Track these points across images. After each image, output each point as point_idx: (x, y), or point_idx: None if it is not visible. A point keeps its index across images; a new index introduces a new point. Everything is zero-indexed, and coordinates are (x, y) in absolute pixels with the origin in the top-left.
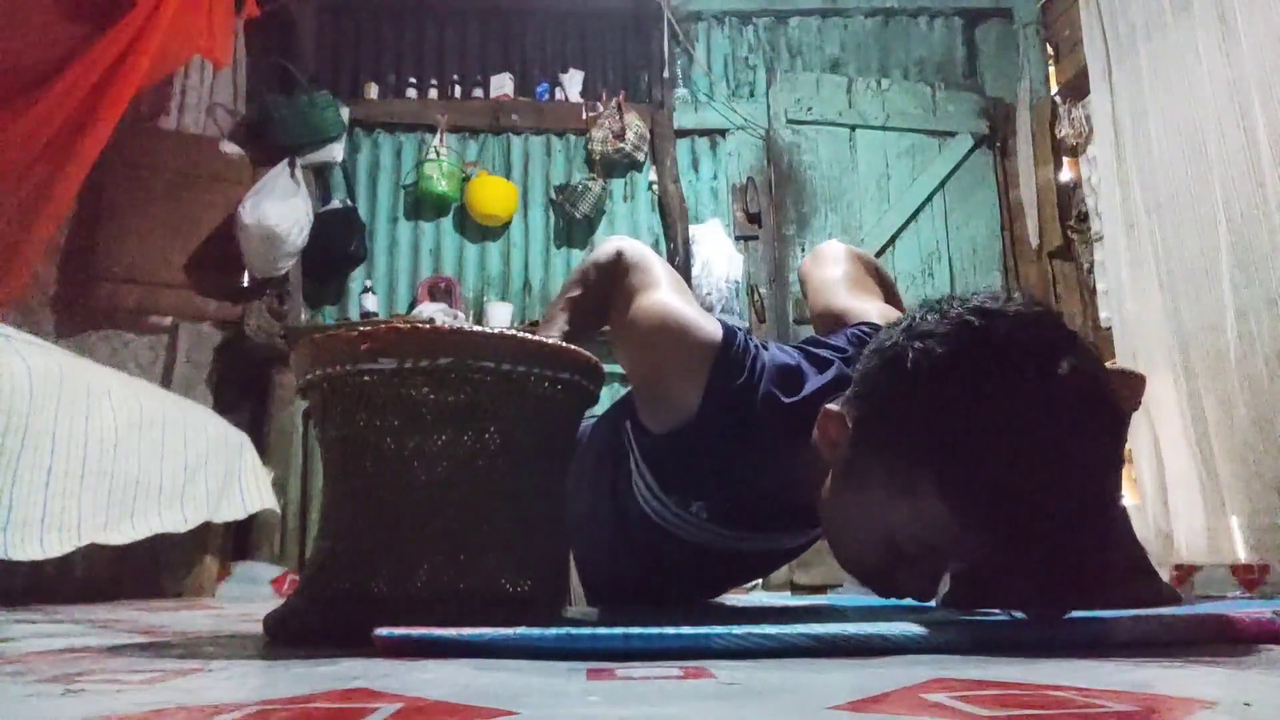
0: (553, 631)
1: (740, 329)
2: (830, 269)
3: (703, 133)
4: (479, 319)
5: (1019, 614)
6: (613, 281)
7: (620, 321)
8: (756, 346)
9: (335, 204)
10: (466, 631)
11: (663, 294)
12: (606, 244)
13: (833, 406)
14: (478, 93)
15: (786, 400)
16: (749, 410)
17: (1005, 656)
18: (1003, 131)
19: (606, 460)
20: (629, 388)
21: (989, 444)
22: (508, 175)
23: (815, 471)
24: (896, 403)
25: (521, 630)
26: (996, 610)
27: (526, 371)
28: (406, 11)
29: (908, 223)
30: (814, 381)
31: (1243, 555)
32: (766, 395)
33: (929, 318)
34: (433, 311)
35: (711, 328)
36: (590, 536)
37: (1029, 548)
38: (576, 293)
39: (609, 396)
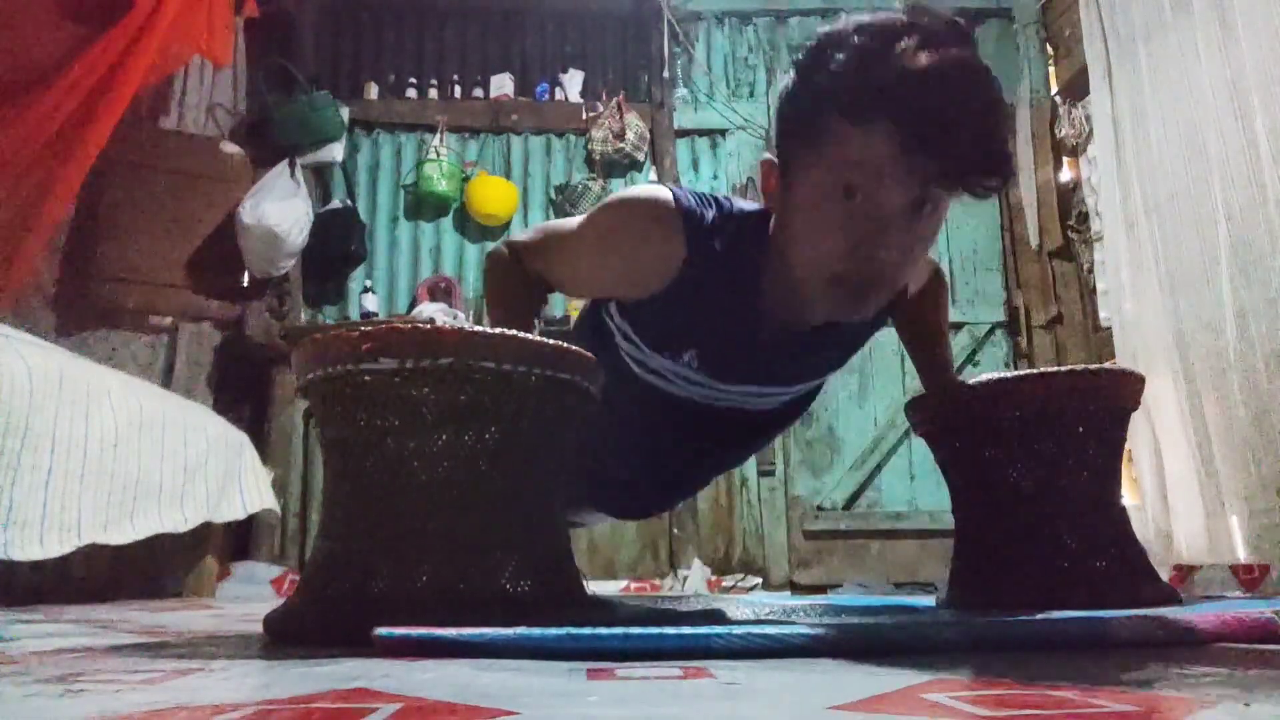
0: (553, 631)
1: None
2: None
3: (703, 133)
4: (479, 319)
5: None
6: (521, 261)
7: (567, 252)
8: (700, 194)
9: (335, 204)
10: (466, 631)
11: (576, 218)
12: (490, 260)
13: (765, 156)
14: (478, 93)
15: (745, 222)
16: (732, 236)
17: (1005, 656)
18: None
19: (594, 348)
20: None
21: (850, 48)
22: (508, 175)
23: (782, 274)
24: (782, 98)
25: (521, 630)
26: (996, 610)
27: (526, 371)
28: (406, 11)
29: None
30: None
31: (1243, 555)
32: (738, 218)
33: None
34: (433, 311)
35: (654, 189)
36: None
37: (904, 101)
38: (499, 307)
39: None
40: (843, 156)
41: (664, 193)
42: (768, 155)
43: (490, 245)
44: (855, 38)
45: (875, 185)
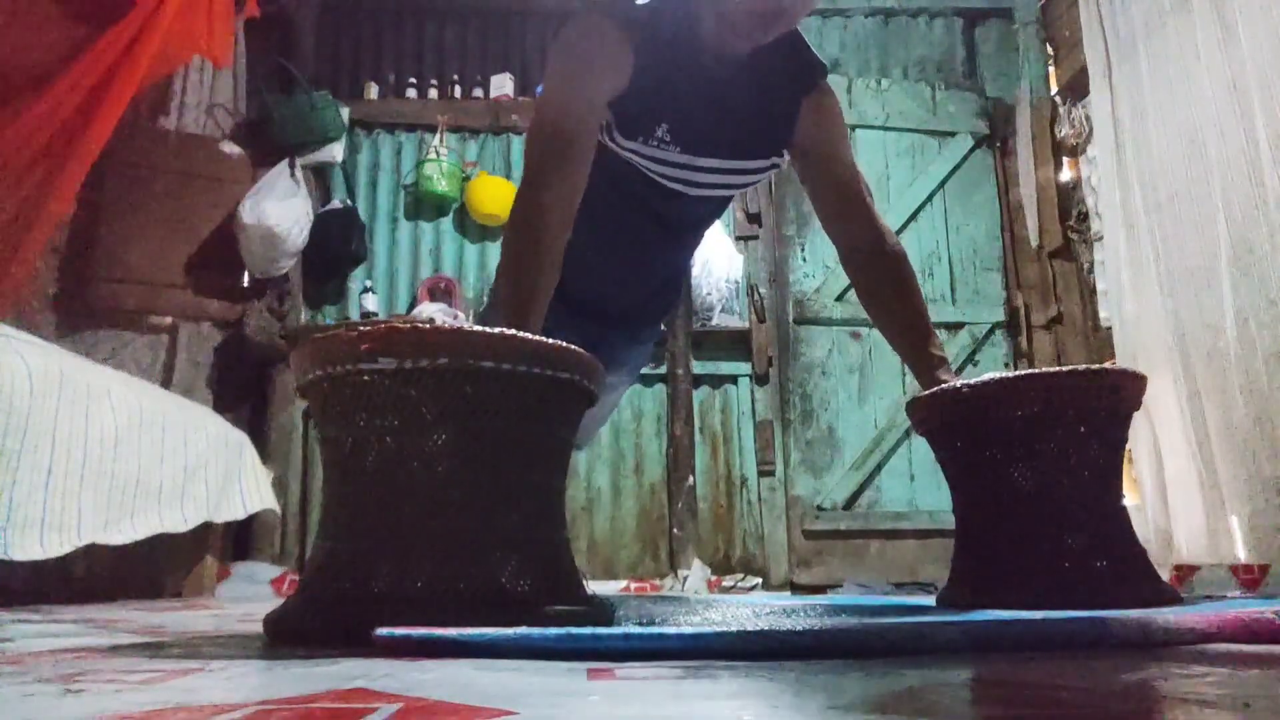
0: (553, 631)
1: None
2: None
3: None
4: (479, 319)
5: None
6: (530, 184)
7: (551, 104)
8: None
9: (335, 204)
10: (466, 631)
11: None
12: (513, 209)
13: None
14: (478, 93)
15: None
16: (670, 11)
17: (1005, 656)
18: (1002, 131)
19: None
20: None
21: None
22: (508, 175)
23: (718, 26)
24: None
25: (521, 630)
26: (996, 610)
27: (526, 371)
28: (406, 11)
29: (908, 222)
30: None
31: (1243, 555)
32: None
33: None
34: (433, 311)
35: (581, 16)
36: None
37: None
38: (513, 271)
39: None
40: None
41: (590, 7)
42: None
43: (490, 245)
44: None
45: None
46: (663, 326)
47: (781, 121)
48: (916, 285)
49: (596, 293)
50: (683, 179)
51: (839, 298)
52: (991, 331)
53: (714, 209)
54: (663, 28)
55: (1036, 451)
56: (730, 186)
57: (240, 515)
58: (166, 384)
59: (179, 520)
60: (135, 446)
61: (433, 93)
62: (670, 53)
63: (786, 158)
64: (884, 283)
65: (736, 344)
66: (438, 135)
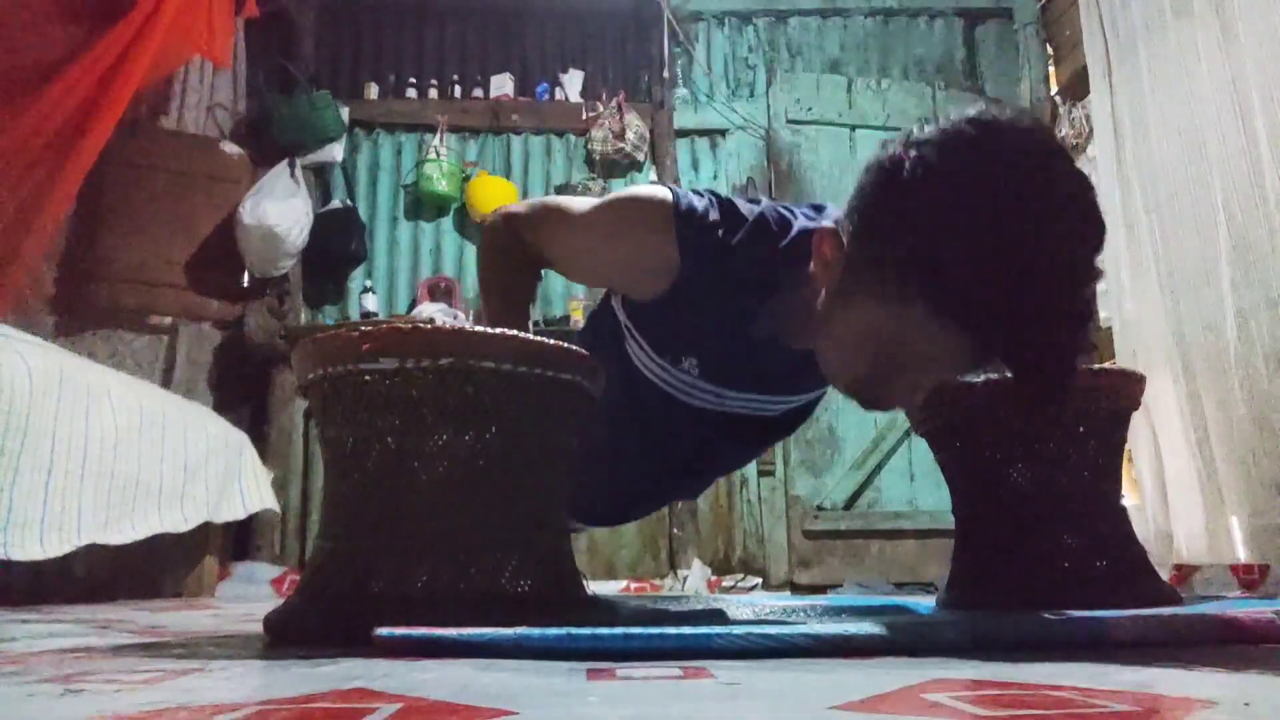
0: (553, 631)
1: (689, 193)
2: None
3: (703, 133)
4: (479, 319)
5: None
6: (519, 238)
7: (564, 240)
8: (719, 198)
9: (335, 204)
10: (466, 631)
11: (582, 200)
12: (487, 234)
13: (827, 224)
14: (478, 93)
15: (768, 242)
16: (729, 255)
17: (1005, 656)
18: None
19: (606, 338)
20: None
21: (976, 243)
22: (508, 175)
23: (799, 316)
24: (891, 208)
25: (521, 630)
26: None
27: (526, 371)
28: (406, 11)
29: None
30: (802, 223)
31: (1243, 555)
32: (746, 237)
33: (926, 129)
34: (433, 311)
35: (656, 190)
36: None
37: (1007, 341)
38: (496, 292)
39: None
40: (911, 336)
41: (665, 195)
42: (834, 225)
43: None
44: (989, 217)
45: (929, 367)
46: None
47: None
48: None
49: (644, 475)
50: (709, 402)
51: None
52: None
53: (768, 432)
54: (726, 273)
55: (1036, 451)
56: (769, 410)
57: (240, 515)
58: (166, 384)
59: (179, 520)
60: (135, 446)
61: (433, 93)
62: (721, 302)
63: None
64: None
65: None
66: (438, 135)
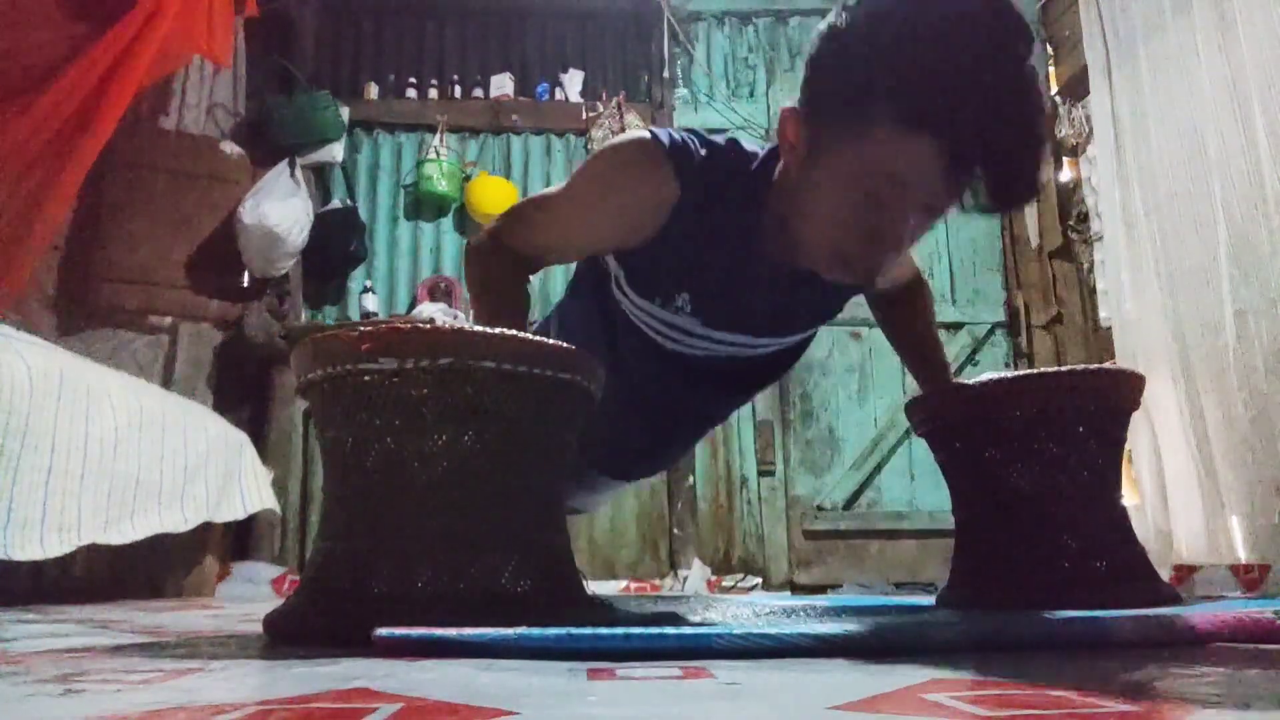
0: (553, 631)
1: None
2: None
3: None
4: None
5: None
6: (501, 246)
7: (552, 223)
8: (688, 130)
9: (335, 204)
10: (466, 631)
11: (549, 188)
12: (470, 258)
13: (787, 105)
14: (478, 93)
15: (746, 161)
16: (729, 174)
17: (1005, 656)
18: None
19: (591, 295)
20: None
21: (920, 44)
22: (508, 175)
23: (782, 222)
24: (836, 55)
25: (521, 630)
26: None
27: (526, 371)
28: (406, 11)
29: None
30: (763, 147)
31: (1243, 555)
32: (728, 159)
33: None
34: (433, 311)
35: (638, 133)
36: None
37: (968, 130)
38: (488, 303)
39: None
40: (881, 159)
41: (646, 135)
42: (792, 104)
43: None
44: (922, 27)
45: (907, 194)
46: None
47: (827, 306)
48: (933, 312)
49: (632, 427)
50: (698, 347)
51: None
52: (991, 331)
53: (757, 370)
54: (718, 195)
55: (1036, 452)
56: (757, 355)
57: (240, 515)
58: (166, 384)
59: (179, 520)
60: (135, 446)
61: (433, 93)
62: (714, 225)
63: None
64: (909, 313)
65: None
66: (438, 135)
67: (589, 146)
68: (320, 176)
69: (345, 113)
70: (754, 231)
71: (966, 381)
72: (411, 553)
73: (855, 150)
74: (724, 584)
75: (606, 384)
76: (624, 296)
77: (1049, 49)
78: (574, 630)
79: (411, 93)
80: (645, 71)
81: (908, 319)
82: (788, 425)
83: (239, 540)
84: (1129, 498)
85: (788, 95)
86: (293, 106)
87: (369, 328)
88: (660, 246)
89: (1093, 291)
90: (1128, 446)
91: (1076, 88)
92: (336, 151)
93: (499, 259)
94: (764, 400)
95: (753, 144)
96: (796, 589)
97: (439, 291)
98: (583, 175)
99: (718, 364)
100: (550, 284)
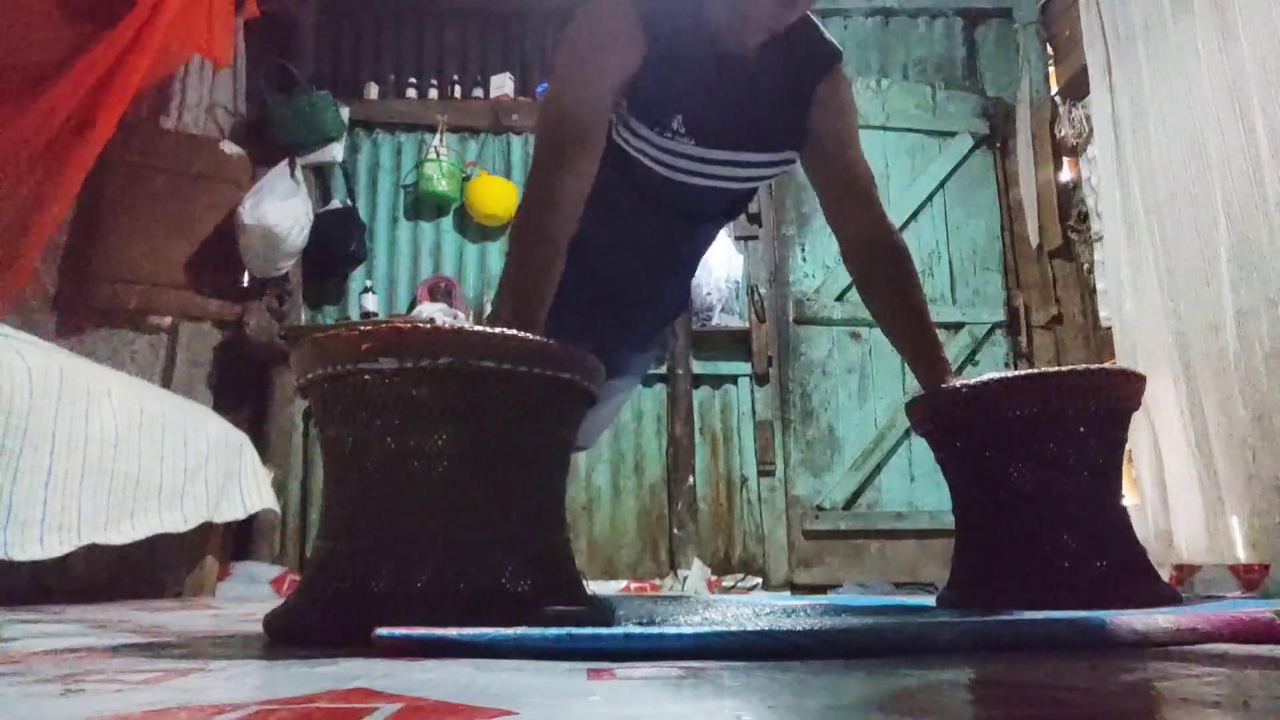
0: (553, 631)
1: None
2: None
3: None
4: (479, 319)
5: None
6: (556, 122)
7: (574, 86)
8: None
9: (335, 204)
10: (466, 631)
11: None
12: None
13: None
14: (478, 93)
15: None
16: None
17: (1005, 656)
18: (1003, 131)
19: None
20: None
21: None
22: (508, 175)
23: (725, 23)
24: None
25: (521, 630)
26: (996, 610)
27: (527, 371)
28: (406, 11)
29: (908, 222)
30: None
31: (1243, 555)
32: None
33: None
34: (433, 311)
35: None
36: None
37: None
38: (520, 263)
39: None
40: None
41: None
42: None
43: (490, 245)
44: None
45: None
46: (667, 332)
47: (797, 111)
48: (918, 281)
49: (609, 280)
50: (694, 170)
51: (839, 298)
52: (991, 331)
53: (728, 205)
54: (674, 15)
55: (1036, 451)
56: (742, 179)
57: (240, 515)
58: (166, 384)
59: (179, 520)
60: (135, 446)
61: (433, 93)
62: (683, 40)
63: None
64: (885, 278)
65: (736, 344)
66: (438, 135)
67: None
68: (320, 176)
69: (345, 113)
70: (711, 24)
71: (966, 381)
72: (411, 553)
73: None
74: (724, 584)
75: (602, 230)
76: (626, 138)
77: (1049, 49)
78: (574, 630)
79: (411, 93)
80: None
81: (890, 293)
82: (788, 425)
83: (239, 540)
84: (1129, 498)
85: None
86: (293, 106)
87: (369, 328)
88: (649, 74)
89: (1093, 291)
90: (1128, 446)
91: (1076, 88)
92: (336, 151)
93: (551, 185)
94: (764, 400)
95: None
96: (796, 589)
97: (439, 291)
98: (568, 42)
99: (705, 193)
100: None
